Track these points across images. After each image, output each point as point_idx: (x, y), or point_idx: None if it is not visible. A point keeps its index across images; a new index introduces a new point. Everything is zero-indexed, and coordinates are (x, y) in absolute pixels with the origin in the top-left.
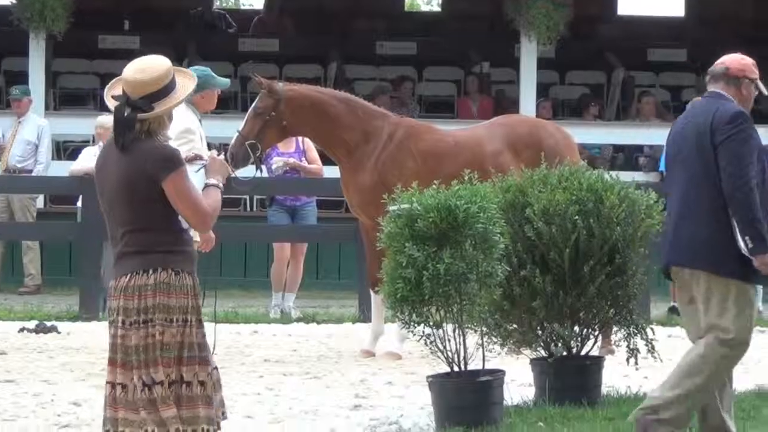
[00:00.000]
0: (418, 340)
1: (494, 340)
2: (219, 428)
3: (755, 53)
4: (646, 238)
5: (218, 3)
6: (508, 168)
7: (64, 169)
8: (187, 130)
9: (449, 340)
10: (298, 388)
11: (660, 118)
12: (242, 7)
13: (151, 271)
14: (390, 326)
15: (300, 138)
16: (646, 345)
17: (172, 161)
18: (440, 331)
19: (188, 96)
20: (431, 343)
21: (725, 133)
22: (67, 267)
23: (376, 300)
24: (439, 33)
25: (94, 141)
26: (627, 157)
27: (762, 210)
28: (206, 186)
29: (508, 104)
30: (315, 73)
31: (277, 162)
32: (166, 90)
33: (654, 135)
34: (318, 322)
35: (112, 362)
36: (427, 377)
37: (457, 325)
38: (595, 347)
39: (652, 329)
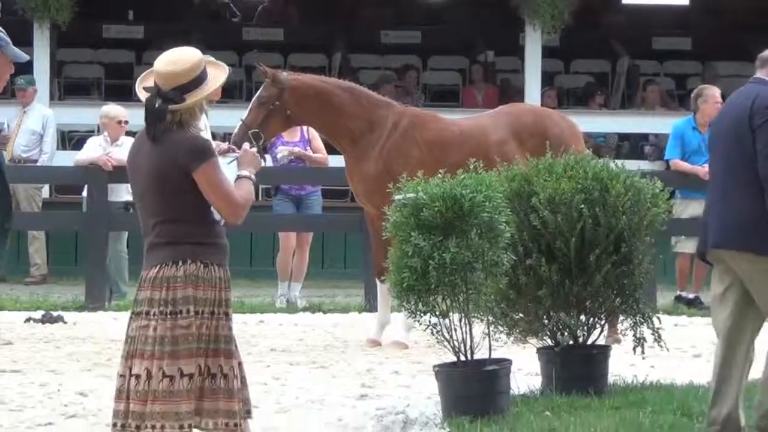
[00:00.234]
0: (425, 330)
1: (500, 329)
2: (240, 424)
3: (759, 42)
4: (652, 226)
5: None
6: (513, 157)
7: (69, 158)
8: None
9: (455, 330)
10: (304, 377)
11: (665, 107)
12: None
13: (180, 263)
14: (396, 316)
15: (305, 127)
16: (653, 334)
17: (204, 152)
18: (446, 320)
19: (219, 86)
20: (437, 332)
21: (764, 117)
22: (73, 257)
23: (382, 289)
24: (444, 22)
25: (98, 131)
26: (632, 145)
27: None
28: (238, 177)
29: (513, 93)
30: (320, 62)
31: (282, 151)
32: (197, 81)
33: (659, 123)
34: (324, 312)
35: (128, 355)
36: (434, 367)
37: (463, 315)
38: (602, 336)
39: (658, 318)
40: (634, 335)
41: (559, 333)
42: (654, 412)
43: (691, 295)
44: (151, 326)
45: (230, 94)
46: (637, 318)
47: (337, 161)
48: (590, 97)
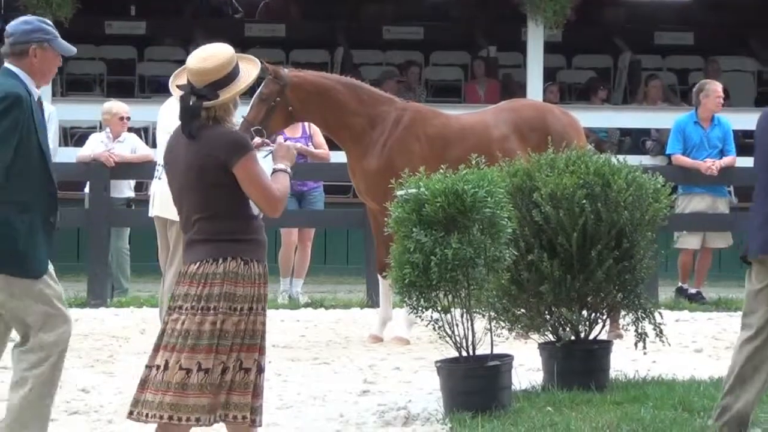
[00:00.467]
0: (426, 326)
1: (502, 324)
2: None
3: (761, 37)
4: (653, 222)
5: None
6: (515, 152)
7: (71, 155)
8: None
9: (457, 325)
10: (306, 373)
11: (667, 102)
12: None
13: (220, 260)
14: (398, 311)
15: (306, 123)
16: (654, 329)
17: (243, 146)
18: (448, 316)
19: (252, 81)
20: (439, 328)
21: None
22: (75, 253)
23: (384, 285)
24: (446, 17)
25: (101, 127)
26: (634, 140)
27: None
28: (274, 171)
29: (515, 88)
30: (322, 58)
31: None
32: (230, 77)
33: (661, 118)
34: (326, 308)
35: (156, 347)
36: (436, 362)
37: (465, 310)
38: (603, 331)
39: (660, 313)
40: (636, 330)
41: (560, 328)
42: (655, 407)
43: (693, 290)
44: (180, 320)
45: None
46: (639, 313)
47: (338, 157)
48: (592, 92)
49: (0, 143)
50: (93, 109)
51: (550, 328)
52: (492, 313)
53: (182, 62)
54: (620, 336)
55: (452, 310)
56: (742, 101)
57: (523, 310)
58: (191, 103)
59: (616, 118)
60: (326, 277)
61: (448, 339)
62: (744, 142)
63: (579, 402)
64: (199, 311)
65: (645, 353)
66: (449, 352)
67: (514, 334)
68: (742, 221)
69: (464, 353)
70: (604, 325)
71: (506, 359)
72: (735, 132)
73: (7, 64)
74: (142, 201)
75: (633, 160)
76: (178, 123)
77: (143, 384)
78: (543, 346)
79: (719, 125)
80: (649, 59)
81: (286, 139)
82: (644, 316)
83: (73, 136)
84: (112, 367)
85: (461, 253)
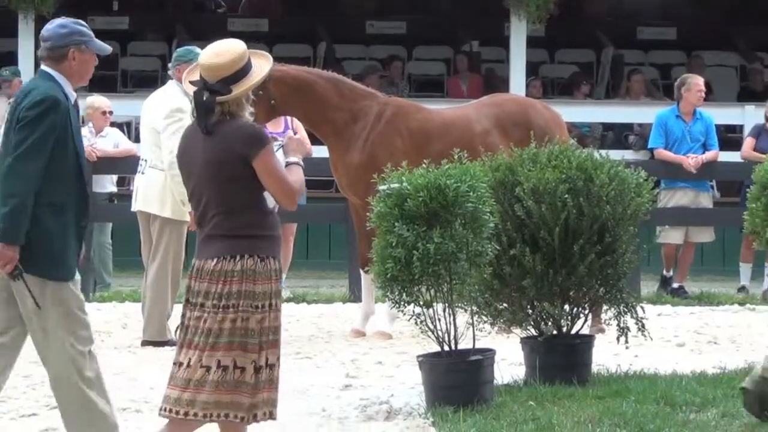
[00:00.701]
0: (409, 320)
1: (484, 319)
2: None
3: (743, 32)
4: (636, 216)
5: None
6: (497, 147)
7: None
8: (178, 109)
9: (439, 320)
10: (288, 367)
11: (649, 97)
12: None
13: (237, 258)
14: (380, 306)
15: (289, 117)
16: (637, 323)
17: (261, 139)
18: (430, 310)
19: (264, 77)
20: (421, 322)
21: None
22: None
23: (366, 280)
24: (429, 12)
25: (83, 122)
26: (617, 135)
27: None
28: (287, 164)
29: (497, 83)
30: (304, 52)
31: None
32: (242, 72)
33: (643, 113)
34: (308, 302)
35: (181, 344)
36: (418, 357)
37: (447, 305)
38: (586, 326)
39: (642, 308)
40: (618, 325)
41: (542, 323)
42: (637, 402)
43: (675, 285)
44: (203, 318)
45: None
46: (621, 307)
47: (321, 152)
48: (575, 87)
49: (37, 148)
50: None
51: (532, 323)
52: (474, 308)
53: (165, 57)
54: (602, 330)
55: (434, 304)
56: (724, 96)
57: (505, 305)
58: (205, 99)
59: (598, 112)
60: (308, 272)
61: (430, 333)
62: (727, 137)
63: (561, 396)
64: (221, 309)
65: (627, 347)
66: (431, 347)
67: (496, 328)
68: (724, 215)
69: (446, 348)
70: (586, 320)
71: (488, 354)
72: (718, 126)
73: (44, 67)
74: (124, 196)
75: (615, 154)
76: (161, 118)
77: (169, 380)
78: (525, 341)
79: (701, 119)
80: (631, 54)
81: (268, 134)
82: (626, 310)
83: None
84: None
85: (443, 248)
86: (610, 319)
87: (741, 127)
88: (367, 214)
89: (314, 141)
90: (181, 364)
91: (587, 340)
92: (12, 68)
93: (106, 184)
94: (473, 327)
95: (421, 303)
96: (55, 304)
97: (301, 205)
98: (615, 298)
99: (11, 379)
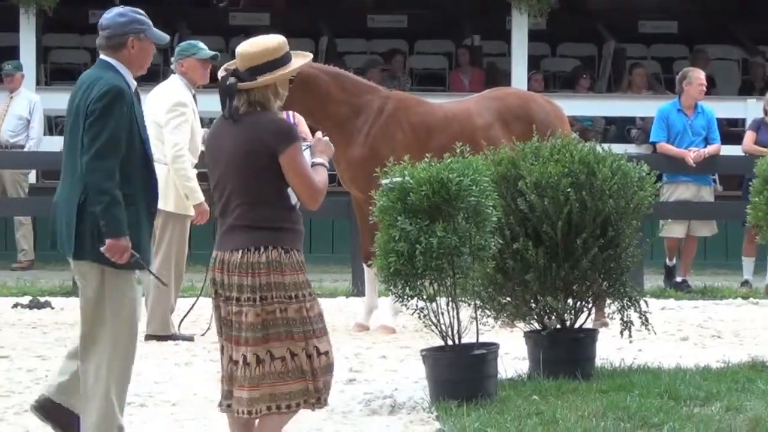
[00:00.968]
0: (412, 314)
1: (488, 313)
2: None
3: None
4: (638, 210)
5: None
6: (499, 141)
7: (55, 144)
8: (180, 103)
9: (443, 314)
10: None
11: (651, 90)
12: None
13: (262, 249)
14: (383, 300)
15: (290, 111)
16: (640, 317)
17: (290, 134)
18: (434, 304)
19: (291, 72)
20: (425, 316)
21: None
22: None
23: (369, 274)
24: (430, 6)
25: None
26: (619, 129)
27: None
28: (313, 165)
29: (499, 77)
30: (306, 47)
31: None
32: (272, 64)
33: (645, 107)
34: None
35: (227, 337)
36: (421, 351)
37: (450, 299)
38: (589, 320)
39: (645, 302)
40: (621, 319)
41: (546, 317)
42: (641, 396)
43: (678, 279)
44: (243, 312)
45: (217, 78)
46: (624, 301)
47: None
48: (576, 80)
49: (112, 142)
50: None
51: (535, 317)
52: (477, 302)
53: (167, 51)
54: (606, 324)
55: (438, 298)
56: (726, 90)
57: (508, 299)
58: (227, 84)
59: (600, 106)
60: (311, 266)
61: (433, 328)
62: (729, 131)
63: (565, 390)
64: (258, 301)
65: (631, 341)
66: (435, 341)
67: (499, 322)
68: (727, 209)
69: (450, 342)
70: (589, 314)
71: (492, 348)
72: (719, 120)
73: (103, 56)
74: None
75: (618, 148)
76: (163, 112)
77: (230, 378)
78: (528, 335)
79: (703, 113)
80: (633, 48)
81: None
82: (630, 304)
83: (58, 125)
84: None
85: (446, 242)
86: (613, 313)
87: (743, 120)
88: (370, 208)
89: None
90: (236, 362)
91: (591, 334)
92: (14, 62)
93: None
94: (476, 321)
95: (425, 297)
96: (115, 293)
97: None
98: (618, 292)
99: (15, 374)
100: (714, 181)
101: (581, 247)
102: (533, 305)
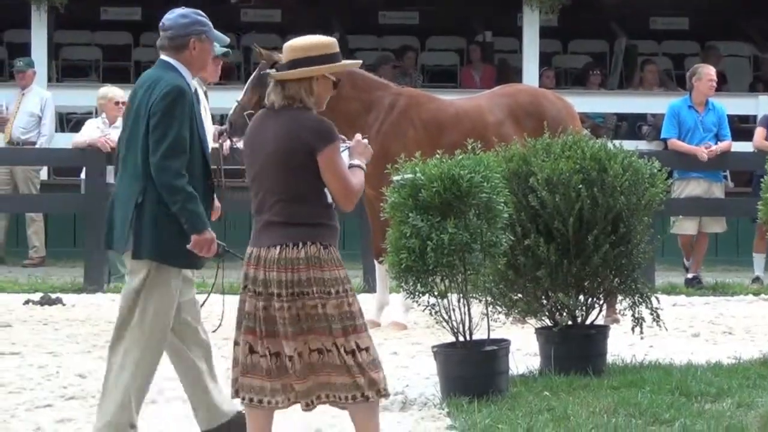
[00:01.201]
0: (423, 310)
1: (499, 309)
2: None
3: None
4: (650, 206)
5: None
6: (511, 137)
7: (67, 140)
8: None
9: (454, 310)
10: None
11: (663, 87)
12: None
13: (300, 245)
14: (395, 296)
15: None
16: (651, 314)
17: (330, 134)
18: (445, 301)
19: (323, 69)
20: (436, 313)
21: None
22: (71, 239)
23: (381, 270)
24: (442, 2)
25: (96, 113)
26: (630, 125)
27: None
28: (350, 166)
29: (511, 73)
30: None
31: None
32: (311, 60)
33: (657, 103)
34: None
35: (263, 334)
36: (433, 347)
37: (461, 295)
38: (600, 316)
39: (657, 298)
40: (633, 315)
41: (557, 313)
42: (652, 392)
43: (690, 275)
44: (284, 308)
45: (227, 75)
46: (636, 298)
47: None
48: (587, 77)
49: (178, 142)
50: (89, 94)
51: (546, 313)
52: (489, 298)
53: None
54: (617, 321)
55: (449, 295)
56: (737, 86)
57: (519, 295)
58: (262, 72)
59: (612, 103)
60: None
61: (445, 324)
62: (740, 127)
63: (576, 387)
64: (298, 296)
65: (642, 338)
66: (446, 337)
67: (510, 318)
68: (738, 205)
69: (461, 338)
70: (600, 310)
71: (503, 344)
72: (731, 117)
73: (163, 57)
74: None
75: (629, 145)
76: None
77: (279, 373)
78: (540, 331)
79: (714, 110)
80: (644, 44)
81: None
82: (641, 300)
83: (69, 121)
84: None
85: (458, 238)
86: (624, 309)
87: (754, 117)
88: (381, 204)
89: None
90: (291, 357)
91: (602, 331)
92: (26, 59)
93: None
94: (488, 317)
95: (436, 293)
96: (161, 291)
97: None
98: (629, 289)
99: (26, 370)
100: (725, 177)
101: (592, 243)
102: (544, 302)
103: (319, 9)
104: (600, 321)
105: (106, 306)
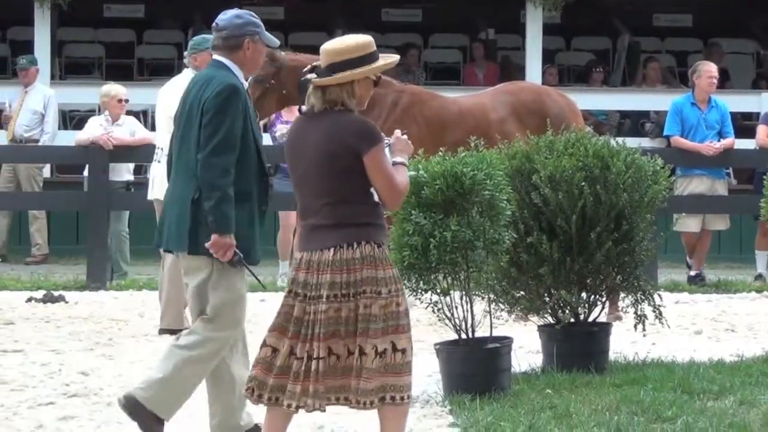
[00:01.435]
0: (426, 308)
1: (501, 307)
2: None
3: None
4: (653, 204)
5: None
6: (513, 135)
7: (70, 138)
8: None
9: (456, 308)
10: None
11: (666, 84)
12: None
13: (356, 245)
14: None
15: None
16: (654, 311)
17: (374, 135)
18: (447, 298)
19: (363, 71)
20: (439, 310)
21: None
22: (74, 236)
23: None
24: (445, 0)
25: (99, 110)
26: (633, 123)
27: None
28: (394, 164)
29: (513, 71)
30: (320, 40)
31: (281, 129)
32: (350, 63)
33: (660, 101)
34: None
35: (312, 337)
36: (435, 345)
37: (464, 293)
38: (603, 314)
39: (659, 295)
40: (635, 312)
41: (560, 310)
42: (655, 389)
43: (692, 272)
44: (333, 308)
45: None
46: (638, 295)
47: None
48: (590, 74)
49: (228, 139)
50: (92, 92)
51: (549, 311)
52: (491, 296)
53: (181, 46)
54: (620, 318)
55: (451, 292)
56: (740, 83)
57: (522, 293)
58: (302, 79)
59: (615, 100)
60: None
61: (447, 321)
62: (743, 124)
63: (578, 384)
64: (351, 298)
65: (644, 335)
66: (449, 335)
67: (513, 316)
68: (741, 203)
69: (464, 336)
70: (603, 307)
71: (505, 341)
72: (734, 114)
73: (216, 57)
74: (141, 184)
75: (632, 142)
76: (176, 105)
77: (299, 376)
78: (542, 329)
79: (716, 107)
80: (647, 41)
81: (283, 122)
82: (643, 298)
83: (72, 119)
84: (112, 350)
85: (460, 236)
86: (627, 306)
87: (757, 114)
88: None
89: None
90: (338, 356)
91: (604, 328)
92: (29, 57)
93: (123, 172)
94: (490, 315)
95: (438, 291)
96: (227, 285)
97: None
98: (632, 286)
99: (28, 367)
100: (728, 174)
101: (595, 240)
102: (547, 299)
103: (322, 6)
104: (602, 318)
105: (109, 303)
